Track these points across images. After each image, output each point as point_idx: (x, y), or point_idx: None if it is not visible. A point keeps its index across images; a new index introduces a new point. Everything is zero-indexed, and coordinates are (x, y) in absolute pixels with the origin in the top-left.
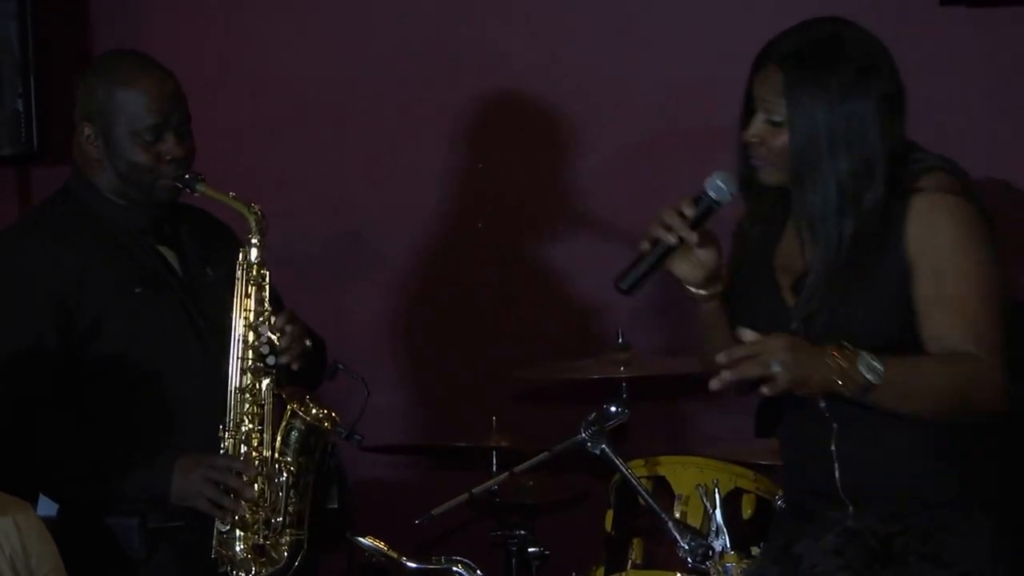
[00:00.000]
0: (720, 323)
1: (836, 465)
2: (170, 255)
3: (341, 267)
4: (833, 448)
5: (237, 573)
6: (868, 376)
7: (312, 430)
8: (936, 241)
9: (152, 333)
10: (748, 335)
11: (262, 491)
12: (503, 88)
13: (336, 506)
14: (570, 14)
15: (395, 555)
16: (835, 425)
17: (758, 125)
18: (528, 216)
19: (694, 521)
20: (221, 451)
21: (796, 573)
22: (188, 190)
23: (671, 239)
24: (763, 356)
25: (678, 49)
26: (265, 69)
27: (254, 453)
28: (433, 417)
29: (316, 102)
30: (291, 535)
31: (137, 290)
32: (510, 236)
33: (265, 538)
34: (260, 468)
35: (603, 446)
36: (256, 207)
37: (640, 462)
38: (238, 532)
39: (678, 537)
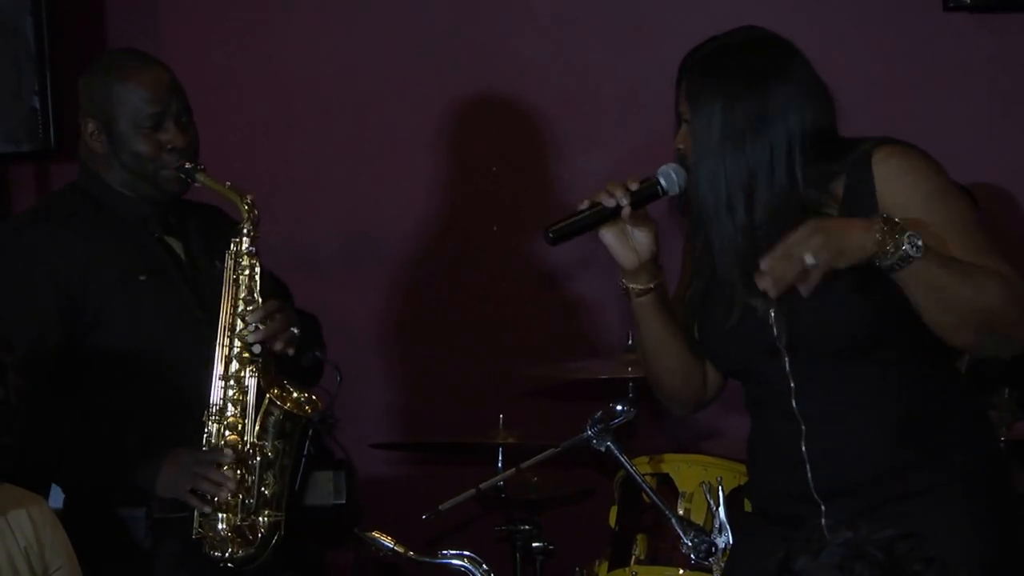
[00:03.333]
0: (653, 322)
1: (808, 466)
2: (176, 245)
3: (354, 266)
4: (803, 449)
5: (214, 552)
6: (908, 246)
7: (289, 416)
8: (917, 191)
9: (154, 321)
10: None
11: (242, 476)
12: (518, 91)
13: (344, 502)
14: (583, 17)
15: (402, 550)
16: (803, 426)
17: (682, 132)
18: (541, 218)
19: (697, 518)
20: (205, 435)
21: None
22: (190, 181)
23: (609, 202)
24: (795, 252)
25: (688, 48)
26: (279, 68)
27: (236, 439)
28: (441, 414)
29: (331, 102)
30: (268, 516)
31: (142, 278)
32: (523, 238)
33: (243, 520)
34: (241, 452)
35: (608, 443)
36: (249, 197)
37: (645, 459)
38: (220, 514)
39: (681, 534)
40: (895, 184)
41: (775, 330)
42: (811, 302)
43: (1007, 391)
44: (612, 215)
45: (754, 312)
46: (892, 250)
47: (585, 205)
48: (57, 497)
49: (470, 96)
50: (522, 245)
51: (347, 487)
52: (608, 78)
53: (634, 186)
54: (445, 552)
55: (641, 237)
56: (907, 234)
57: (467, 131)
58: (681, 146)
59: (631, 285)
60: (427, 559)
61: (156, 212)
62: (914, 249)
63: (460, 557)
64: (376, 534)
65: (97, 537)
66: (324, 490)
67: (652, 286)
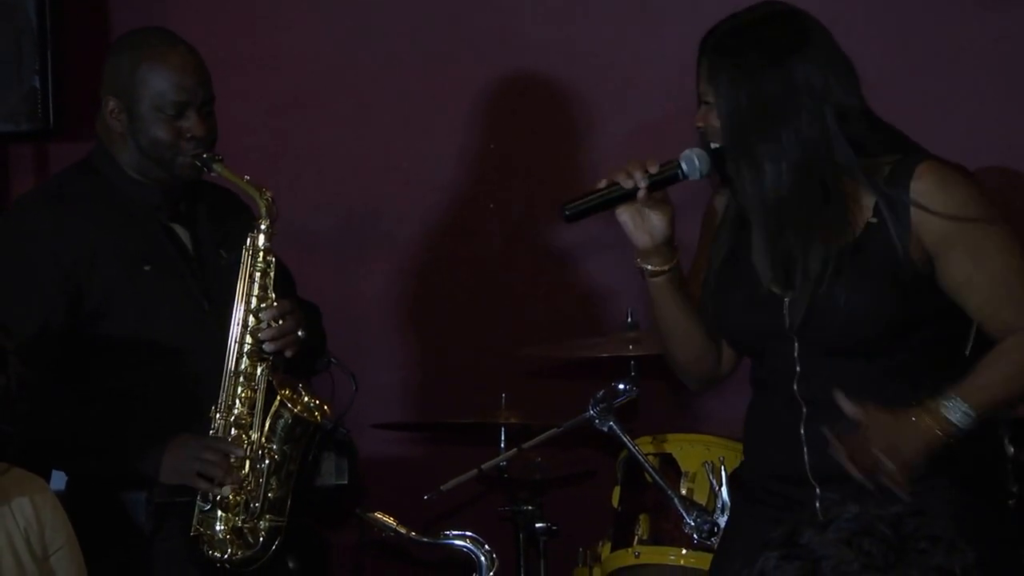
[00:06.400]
0: (667, 303)
1: (805, 448)
2: (184, 234)
3: (354, 246)
4: (802, 431)
5: (213, 552)
6: (959, 421)
7: (299, 421)
8: (954, 222)
9: (157, 311)
10: (846, 405)
11: (246, 475)
12: (516, 69)
13: (346, 482)
14: None
15: (404, 530)
16: (805, 409)
17: (701, 111)
18: (540, 196)
19: (700, 498)
20: (211, 431)
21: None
22: (205, 169)
23: (627, 183)
24: (869, 456)
25: (692, 29)
26: (281, 49)
27: (243, 436)
28: (443, 394)
29: (331, 83)
30: (270, 521)
31: (146, 267)
32: (522, 216)
33: (243, 521)
34: (247, 451)
35: (611, 423)
36: (268, 193)
37: (647, 439)
38: (219, 513)
39: (684, 514)
40: (932, 207)
41: (787, 319)
42: (828, 297)
43: None
44: (628, 196)
45: (771, 295)
46: (947, 430)
47: (603, 184)
48: (59, 479)
49: (469, 75)
50: (522, 224)
51: (349, 468)
52: (611, 57)
53: (654, 168)
54: (448, 533)
55: (656, 220)
56: (948, 408)
57: (465, 110)
58: (701, 124)
59: (645, 266)
60: (430, 540)
61: (166, 198)
62: (964, 417)
63: (463, 538)
64: (378, 515)
65: (98, 520)
66: (327, 471)
67: (666, 268)
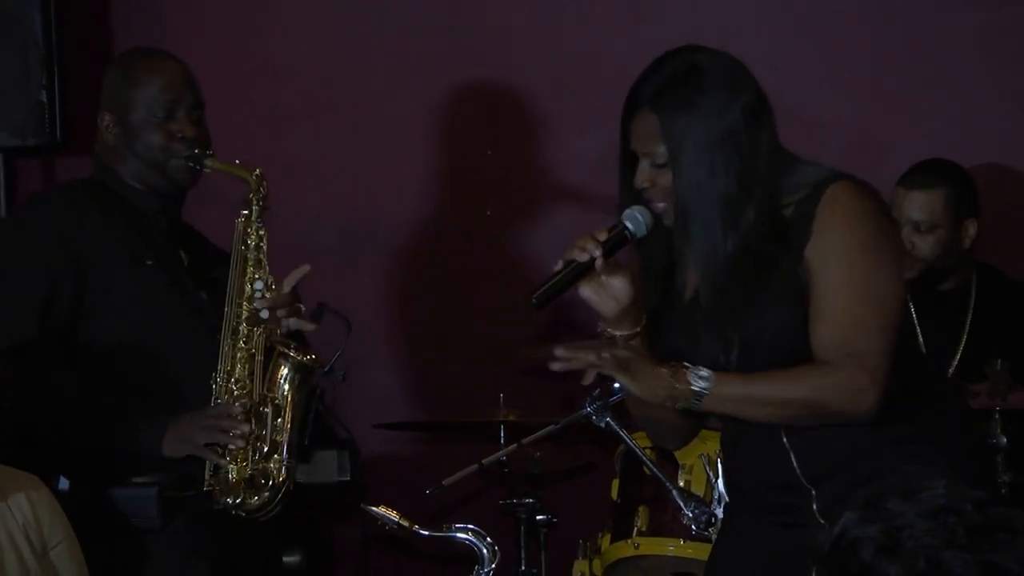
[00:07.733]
0: None
1: (792, 454)
2: (183, 254)
3: (353, 250)
4: (784, 439)
5: (226, 499)
6: (698, 385)
7: (299, 367)
8: (826, 255)
9: (158, 304)
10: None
11: (253, 431)
12: (512, 77)
13: (348, 478)
14: (577, 1)
15: (407, 523)
16: None
17: (644, 170)
18: (536, 202)
19: (697, 489)
20: (213, 394)
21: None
22: (198, 167)
23: (583, 257)
24: (599, 354)
25: (683, 35)
26: (279, 58)
27: (245, 396)
28: (443, 394)
29: (328, 92)
30: (278, 462)
31: (149, 262)
32: (519, 221)
33: (253, 468)
34: (250, 407)
35: (607, 419)
36: (257, 170)
37: (644, 433)
38: (231, 466)
39: (682, 505)
40: (826, 231)
41: (721, 355)
42: (753, 327)
43: (999, 362)
44: (588, 268)
45: (702, 333)
46: (682, 391)
47: (559, 265)
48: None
49: (464, 81)
50: (518, 227)
51: (351, 464)
52: (601, 61)
53: (603, 236)
54: (450, 525)
55: (618, 284)
56: (695, 374)
57: (462, 116)
58: (648, 184)
59: (617, 333)
60: (432, 533)
61: (165, 209)
62: (703, 383)
63: (465, 531)
64: (382, 508)
65: (103, 519)
66: (328, 468)
67: (638, 329)
